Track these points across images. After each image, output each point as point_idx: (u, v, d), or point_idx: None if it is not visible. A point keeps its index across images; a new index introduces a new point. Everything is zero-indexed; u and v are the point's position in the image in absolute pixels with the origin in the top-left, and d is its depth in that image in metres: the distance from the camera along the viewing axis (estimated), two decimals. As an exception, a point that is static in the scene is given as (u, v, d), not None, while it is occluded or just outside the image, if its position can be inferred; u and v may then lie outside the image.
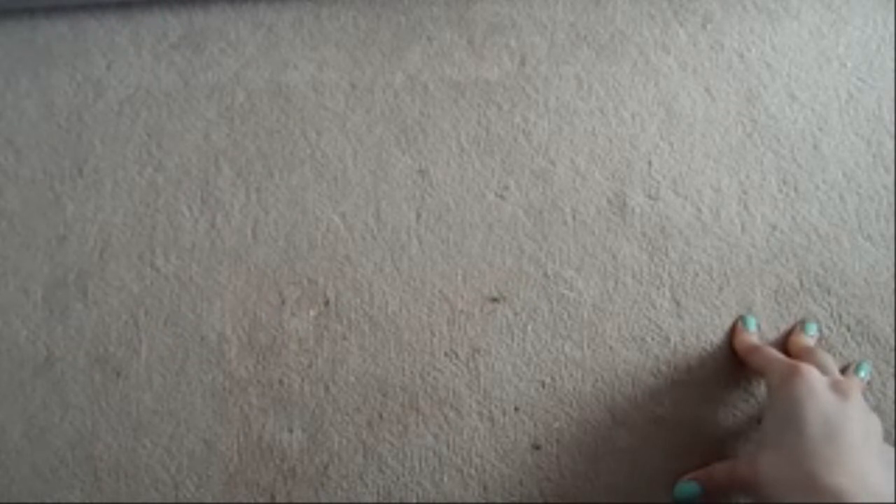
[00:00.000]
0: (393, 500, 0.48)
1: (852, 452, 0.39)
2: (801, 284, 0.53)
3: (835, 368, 0.46)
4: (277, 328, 0.52)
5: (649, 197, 0.55)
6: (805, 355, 0.48)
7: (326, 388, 0.51)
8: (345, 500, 0.49)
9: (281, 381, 0.51)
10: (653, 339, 0.52)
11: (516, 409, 0.50)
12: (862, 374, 0.49)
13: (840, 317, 0.52)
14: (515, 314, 0.52)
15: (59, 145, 0.58)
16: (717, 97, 0.58)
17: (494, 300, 0.53)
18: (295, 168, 0.57)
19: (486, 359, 0.51)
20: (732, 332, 0.51)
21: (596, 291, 0.53)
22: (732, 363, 0.51)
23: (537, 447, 0.49)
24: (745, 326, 0.51)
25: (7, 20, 0.63)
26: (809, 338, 0.50)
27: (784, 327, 0.52)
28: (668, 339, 0.52)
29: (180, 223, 0.55)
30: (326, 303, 0.53)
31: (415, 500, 0.48)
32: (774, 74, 0.59)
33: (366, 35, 0.62)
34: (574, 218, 0.55)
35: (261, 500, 0.49)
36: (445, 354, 0.52)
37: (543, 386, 0.51)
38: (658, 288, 0.53)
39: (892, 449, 0.43)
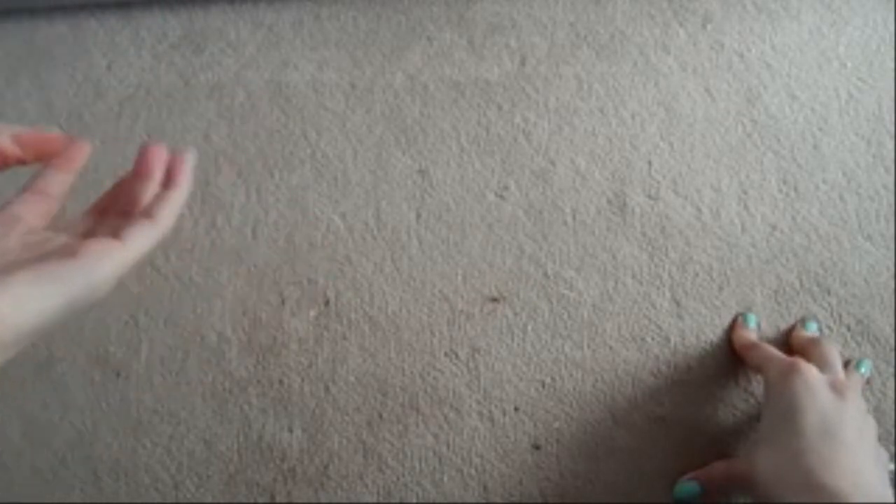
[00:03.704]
0: (393, 500, 0.48)
1: (847, 451, 0.39)
2: (801, 284, 0.53)
3: (837, 361, 0.46)
4: (277, 328, 0.52)
5: (649, 197, 0.55)
6: (808, 348, 0.48)
7: (326, 388, 0.51)
8: (345, 500, 0.49)
9: (281, 381, 0.51)
10: (653, 339, 0.52)
11: (516, 409, 0.50)
12: (862, 370, 0.49)
13: (840, 317, 0.52)
14: (515, 314, 0.52)
15: (59, 145, 0.58)
16: (717, 97, 0.58)
17: (494, 300, 0.53)
18: (295, 168, 0.57)
19: (486, 359, 0.51)
20: (732, 329, 0.51)
21: (596, 291, 0.53)
22: (732, 363, 0.51)
23: (537, 447, 0.49)
24: (745, 323, 0.51)
25: (7, 20, 0.63)
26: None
27: (784, 327, 0.52)
28: (668, 339, 0.52)
29: (180, 223, 0.55)
30: (326, 303, 0.53)
31: (415, 500, 0.48)
32: (774, 74, 0.59)
33: (366, 35, 0.62)
34: (574, 218, 0.55)
35: (261, 500, 0.49)
36: (445, 354, 0.52)
37: (543, 386, 0.51)
38: (658, 288, 0.53)
39: (886, 451, 0.43)
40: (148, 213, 0.33)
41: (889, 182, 0.55)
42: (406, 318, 0.52)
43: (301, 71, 0.60)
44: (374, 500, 0.48)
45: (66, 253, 0.29)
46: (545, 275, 0.53)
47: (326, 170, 0.57)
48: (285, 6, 0.63)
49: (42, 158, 0.34)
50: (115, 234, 0.32)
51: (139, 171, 0.34)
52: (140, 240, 0.32)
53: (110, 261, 0.30)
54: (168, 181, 0.35)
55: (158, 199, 0.34)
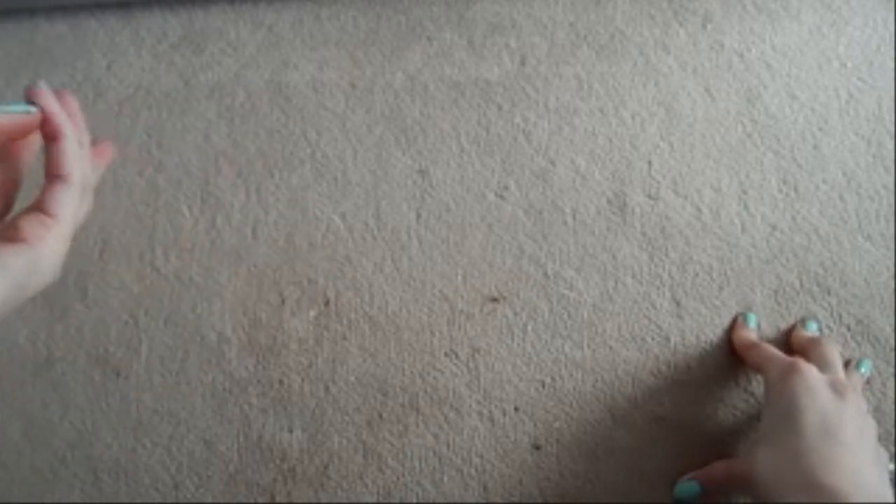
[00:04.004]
0: (393, 500, 0.48)
1: (847, 451, 0.39)
2: (801, 284, 0.53)
3: (838, 361, 0.46)
4: (277, 328, 0.52)
5: (649, 197, 0.55)
6: (808, 348, 0.48)
7: (326, 388, 0.51)
8: (345, 500, 0.49)
9: (281, 381, 0.51)
10: (653, 339, 0.52)
11: (516, 409, 0.50)
12: (863, 370, 0.49)
13: (840, 317, 0.52)
14: (515, 314, 0.52)
15: (59, 145, 0.58)
16: (717, 97, 0.58)
17: (494, 300, 0.53)
18: (295, 168, 0.57)
19: (486, 359, 0.51)
20: (732, 329, 0.51)
21: (596, 291, 0.53)
22: (732, 363, 0.51)
23: (537, 447, 0.49)
24: (745, 323, 0.51)
25: (7, 20, 0.63)
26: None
27: (784, 327, 0.52)
28: (668, 339, 0.52)
29: (180, 223, 0.55)
30: (326, 303, 0.53)
31: (415, 500, 0.48)
32: (774, 74, 0.59)
33: (366, 35, 0.62)
34: (574, 218, 0.55)
35: (261, 500, 0.49)
36: (445, 354, 0.52)
37: (543, 386, 0.51)
38: (658, 288, 0.53)
39: (886, 451, 0.43)
40: (56, 174, 0.31)
41: (889, 182, 0.55)
42: (406, 318, 0.52)
43: (301, 71, 0.60)
44: (374, 500, 0.48)
45: (7, 238, 0.29)
46: (545, 275, 0.53)
47: (326, 170, 0.57)
48: (285, 6, 0.63)
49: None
50: (41, 207, 0.31)
51: (46, 135, 0.32)
52: (64, 206, 0.31)
53: (49, 239, 0.30)
54: (50, 132, 0.32)
55: (56, 154, 0.32)
